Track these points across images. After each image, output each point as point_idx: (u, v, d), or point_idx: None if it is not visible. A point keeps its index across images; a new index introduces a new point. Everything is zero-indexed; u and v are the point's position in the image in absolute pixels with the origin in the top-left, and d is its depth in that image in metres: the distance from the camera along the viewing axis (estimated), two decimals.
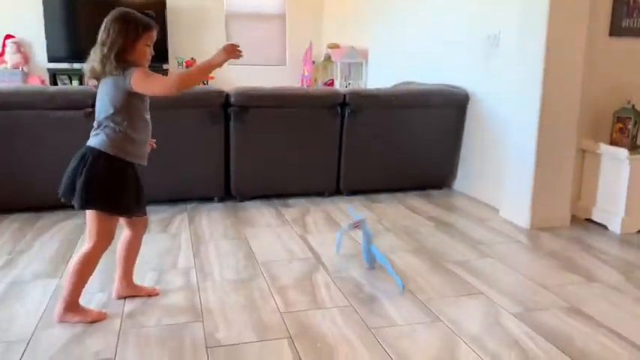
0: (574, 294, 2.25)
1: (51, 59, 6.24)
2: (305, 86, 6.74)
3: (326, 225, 3.11)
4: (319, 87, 6.57)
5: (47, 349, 1.75)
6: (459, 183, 3.98)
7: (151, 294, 2.16)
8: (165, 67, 6.59)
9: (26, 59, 6.28)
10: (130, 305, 2.07)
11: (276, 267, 2.48)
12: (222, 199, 3.57)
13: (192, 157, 3.41)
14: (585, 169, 3.29)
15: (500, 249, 2.78)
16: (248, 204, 3.52)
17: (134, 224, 2.09)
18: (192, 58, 6.74)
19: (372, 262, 2.48)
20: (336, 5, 6.78)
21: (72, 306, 1.93)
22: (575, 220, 3.25)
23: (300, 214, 3.31)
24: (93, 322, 1.93)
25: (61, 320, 1.92)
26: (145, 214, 2.10)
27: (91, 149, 1.91)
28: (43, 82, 6.21)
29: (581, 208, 3.31)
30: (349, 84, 5.87)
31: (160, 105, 3.27)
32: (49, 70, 6.20)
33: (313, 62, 6.75)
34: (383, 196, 3.73)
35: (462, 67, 3.89)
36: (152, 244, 2.75)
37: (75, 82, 6.23)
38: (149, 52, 1.94)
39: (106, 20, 1.95)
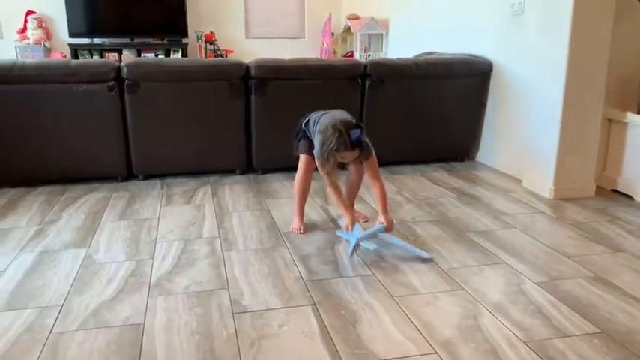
0: (599, 264, 2.24)
1: (72, 35, 6.25)
2: (325, 58, 6.67)
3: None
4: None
5: (79, 314, 1.80)
6: (482, 154, 3.94)
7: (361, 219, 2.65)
8: (184, 41, 6.58)
9: (48, 35, 6.32)
10: (157, 273, 2.12)
11: (299, 237, 2.50)
12: (243, 172, 3.59)
13: (214, 131, 3.43)
14: (611, 139, 3.23)
15: (523, 219, 2.76)
16: (269, 176, 3.54)
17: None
18: (211, 32, 6.71)
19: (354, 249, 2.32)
20: None
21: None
22: (600, 191, 3.20)
23: (321, 185, 3.31)
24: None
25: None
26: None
27: None
28: (64, 57, 6.25)
29: (607, 178, 3.26)
30: (369, 55, 5.79)
31: (181, 78, 3.31)
32: (70, 45, 6.23)
33: (332, 34, 6.67)
34: (404, 168, 3.72)
35: (485, 36, 3.81)
36: (177, 215, 2.80)
37: (95, 57, 6.26)
38: None
39: None
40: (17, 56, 6.10)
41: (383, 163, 3.73)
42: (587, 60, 2.95)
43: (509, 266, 2.20)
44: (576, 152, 3.07)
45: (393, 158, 3.77)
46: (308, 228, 2.61)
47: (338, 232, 2.51)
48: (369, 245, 2.29)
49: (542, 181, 3.15)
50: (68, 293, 1.95)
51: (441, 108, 3.73)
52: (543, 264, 2.23)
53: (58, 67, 3.15)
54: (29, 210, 2.86)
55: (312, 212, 2.84)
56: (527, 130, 3.32)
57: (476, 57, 3.79)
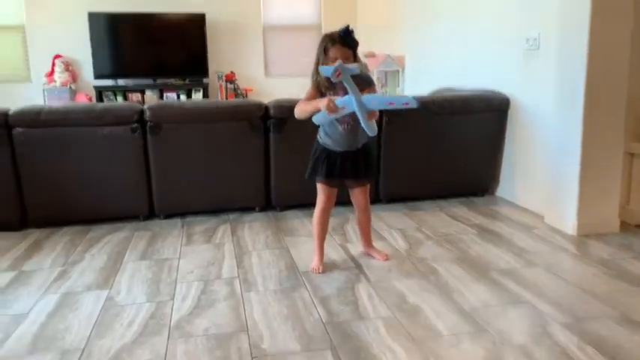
0: (625, 303, 2.18)
1: (97, 76, 6.47)
2: None
3: None
4: None
5: (100, 359, 1.81)
6: (502, 189, 3.91)
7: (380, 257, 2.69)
8: (205, 80, 6.74)
9: (74, 77, 6.54)
10: (177, 315, 2.12)
11: (318, 277, 2.50)
12: (262, 209, 3.61)
13: (234, 169, 3.48)
14: (634, 172, 3.18)
15: (546, 257, 2.71)
16: (288, 213, 3.56)
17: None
18: (231, 72, 6.87)
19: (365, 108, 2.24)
20: (370, 14, 6.79)
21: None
22: (624, 226, 3.14)
23: (340, 222, 3.32)
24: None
25: None
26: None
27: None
28: (90, 98, 6.45)
29: (631, 213, 3.20)
30: (386, 92, 5.86)
31: (202, 119, 3.38)
32: (95, 87, 6.44)
33: None
34: (423, 204, 3.71)
35: (502, 72, 3.83)
36: (197, 254, 2.82)
37: (119, 98, 6.44)
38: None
39: None
40: (45, 98, 6.31)
41: (401, 199, 3.75)
42: (605, 93, 2.94)
43: (533, 306, 2.16)
44: (599, 187, 3.03)
45: (411, 194, 3.77)
46: (327, 267, 2.60)
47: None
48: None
49: (565, 217, 3.11)
50: (89, 336, 1.97)
51: (459, 143, 3.73)
52: (568, 304, 2.18)
53: (83, 111, 3.25)
54: (53, 250, 2.91)
55: (332, 251, 2.83)
56: (547, 164, 3.29)
57: (493, 92, 3.80)
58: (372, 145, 2.60)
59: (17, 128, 3.13)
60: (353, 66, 2.23)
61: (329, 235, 3.06)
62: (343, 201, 3.66)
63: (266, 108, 3.46)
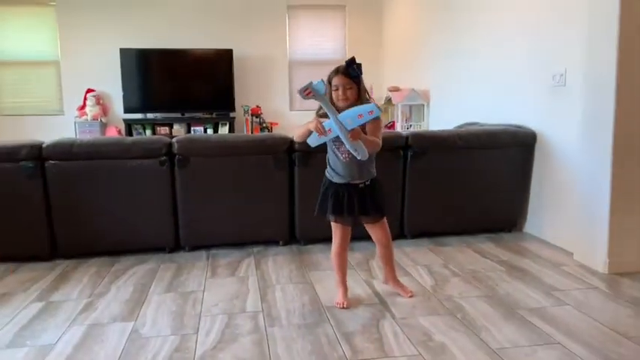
0: None
1: (127, 110, 6.64)
2: None
3: None
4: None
5: None
6: (530, 225, 3.84)
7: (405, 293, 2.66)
8: (232, 114, 6.86)
9: (105, 111, 6.72)
10: (201, 349, 2.12)
11: (342, 312, 2.47)
12: (286, 243, 3.61)
13: (259, 202, 3.50)
14: None
15: (576, 295, 2.64)
16: (312, 247, 3.55)
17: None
18: (257, 106, 6.98)
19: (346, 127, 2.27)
20: (395, 48, 6.88)
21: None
22: None
23: (364, 258, 3.30)
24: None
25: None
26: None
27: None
28: (119, 131, 6.61)
29: None
30: (410, 126, 5.88)
31: (229, 152, 3.43)
32: (124, 120, 6.60)
33: None
34: (449, 240, 3.66)
35: (527, 107, 3.82)
36: (221, 287, 2.82)
37: (148, 132, 6.59)
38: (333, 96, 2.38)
39: None
40: (76, 131, 6.49)
41: (427, 234, 3.71)
42: (636, 129, 2.90)
43: (563, 347, 2.09)
44: (629, 224, 2.96)
45: (437, 229, 3.73)
46: (352, 303, 2.57)
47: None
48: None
49: (595, 254, 3.03)
50: None
51: (485, 178, 3.70)
52: (600, 345, 2.11)
53: (113, 144, 3.33)
54: (80, 282, 2.94)
55: (356, 286, 2.81)
56: (576, 200, 3.24)
57: (519, 127, 3.78)
58: (379, 178, 2.58)
59: (50, 161, 3.22)
60: (320, 86, 2.25)
61: (353, 271, 3.04)
62: (367, 236, 3.65)
63: (291, 142, 3.50)
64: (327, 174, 2.56)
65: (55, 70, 6.74)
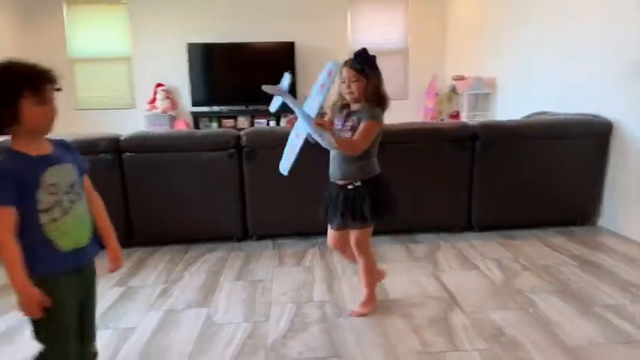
0: None
1: (194, 103, 6.86)
2: (429, 119, 6.70)
3: (458, 262, 3.03)
4: (444, 119, 6.50)
5: None
6: (605, 219, 3.67)
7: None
8: None
9: (174, 104, 6.97)
10: (272, 336, 2.18)
11: (410, 305, 2.46)
12: None
13: (322, 192, 3.52)
14: None
15: None
16: (376, 239, 3.53)
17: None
18: None
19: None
20: (459, 36, 6.71)
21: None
22: None
23: (430, 250, 3.27)
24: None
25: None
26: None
27: None
28: (187, 124, 6.83)
29: None
30: (476, 115, 5.73)
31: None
32: (192, 113, 6.82)
33: (437, 94, 6.71)
34: (519, 233, 3.56)
35: (603, 95, 3.64)
36: (289, 276, 2.88)
37: (214, 124, 6.77)
38: None
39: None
40: (147, 124, 6.77)
41: (496, 227, 3.62)
42: None
43: None
44: None
45: (507, 222, 3.64)
46: (419, 295, 2.56)
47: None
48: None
49: None
50: (190, 355, 2.06)
51: (556, 170, 3.56)
52: None
53: (184, 137, 3.46)
54: (156, 269, 3.09)
55: (424, 279, 2.79)
56: None
57: (593, 116, 3.61)
58: (381, 177, 2.32)
59: (127, 153, 3.38)
60: (285, 81, 2.10)
61: (419, 263, 3.02)
62: (431, 226, 3.61)
63: None
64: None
65: (126, 65, 7.03)
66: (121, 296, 2.68)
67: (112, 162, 3.35)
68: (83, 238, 1.52)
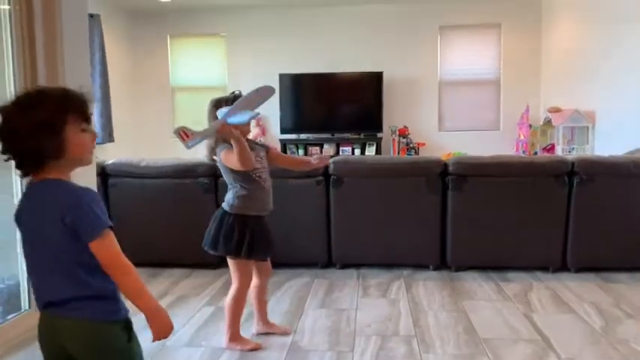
0: None
1: (282, 131, 7.08)
2: (521, 151, 6.47)
3: (553, 304, 2.87)
4: (539, 152, 6.25)
5: None
6: None
7: (282, 332, 2.51)
8: (379, 135, 6.97)
9: (264, 131, 7.23)
10: None
11: (501, 346, 2.36)
12: (437, 268, 3.56)
13: (409, 224, 3.50)
14: None
15: None
16: (463, 274, 3.45)
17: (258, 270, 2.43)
18: (404, 126, 7.01)
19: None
20: (555, 66, 6.47)
21: (233, 337, 2.35)
22: None
23: (522, 289, 3.13)
24: (251, 350, 2.32)
25: (227, 347, 2.35)
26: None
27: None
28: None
29: None
30: (573, 149, 5.47)
31: (381, 174, 3.50)
32: (280, 140, 7.03)
33: (530, 126, 6.48)
34: (618, 276, 3.32)
35: None
36: (373, 307, 2.87)
37: (301, 151, 6.94)
38: None
39: None
40: None
41: (594, 269, 3.40)
42: None
43: None
44: None
45: (607, 264, 3.42)
46: (510, 336, 2.45)
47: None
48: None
49: None
50: None
51: None
52: None
53: None
54: None
55: (515, 320, 2.67)
56: None
57: None
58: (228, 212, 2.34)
59: (222, 177, 3.54)
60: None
61: (510, 303, 2.90)
62: (523, 265, 3.47)
63: (445, 164, 3.46)
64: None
65: (223, 94, 7.40)
66: (212, 315, 2.79)
67: (209, 186, 3.53)
68: None
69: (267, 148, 2.49)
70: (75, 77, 2.49)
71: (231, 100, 2.27)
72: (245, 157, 2.12)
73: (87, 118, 1.25)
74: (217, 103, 2.30)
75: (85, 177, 2.44)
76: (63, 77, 2.45)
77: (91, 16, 5.91)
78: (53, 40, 2.44)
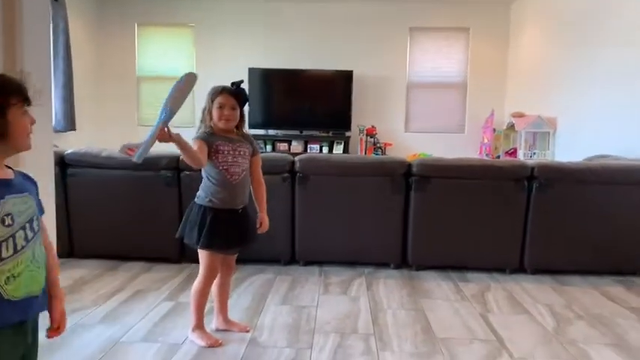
0: None
1: (251, 126, 7.02)
2: (485, 154, 6.60)
3: (509, 305, 2.94)
4: (501, 156, 6.39)
5: None
6: None
7: (242, 330, 2.49)
8: (347, 134, 7.00)
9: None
10: None
11: (456, 345, 2.41)
12: (398, 267, 3.60)
13: (372, 223, 3.53)
14: None
15: None
16: (423, 274, 3.50)
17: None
18: (372, 126, 7.05)
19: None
20: (521, 72, 6.62)
21: (196, 327, 2.36)
22: None
23: (480, 290, 3.20)
24: (210, 346, 2.30)
25: (189, 337, 2.37)
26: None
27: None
28: None
29: None
30: (534, 154, 5.61)
31: (347, 173, 3.51)
32: None
33: (494, 130, 6.61)
34: (573, 279, 3.43)
35: None
36: (334, 305, 2.88)
37: (268, 147, 6.91)
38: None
39: None
40: None
41: (549, 271, 3.50)
42: None
43: None
44: None
45: (561, 267, 3.53)
46: (466, 337, 2.50)
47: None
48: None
49: None
50: None
51: (617, 217, 3.43)
52: None
53: None
54: None
55: (472, 320, 2.72)
56: None
57: None
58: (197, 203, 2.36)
59: (185, 171, 3.49)
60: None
61: (468, 303, 2.96)
62: (481, 265, 3.54)
63: (409, 165, 3.50)
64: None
65: None
66: (170, 311, 2.75)
67: (171, 179, 3.47)
68: (36, 285, 1.24)
69: (253, 149, 2.42)
70: (34, 61, 2.41)
71: (233, 90, 2.28)
72: (190, 157, 2.12)
73: (27, 101, 1.22)
74: (215, 93, 2.30)
75: (42, 166, 2.38)
76: (21, 61, 2.37)
77: (56, 0, 5.75)
78: (12, 22, 2.36)
